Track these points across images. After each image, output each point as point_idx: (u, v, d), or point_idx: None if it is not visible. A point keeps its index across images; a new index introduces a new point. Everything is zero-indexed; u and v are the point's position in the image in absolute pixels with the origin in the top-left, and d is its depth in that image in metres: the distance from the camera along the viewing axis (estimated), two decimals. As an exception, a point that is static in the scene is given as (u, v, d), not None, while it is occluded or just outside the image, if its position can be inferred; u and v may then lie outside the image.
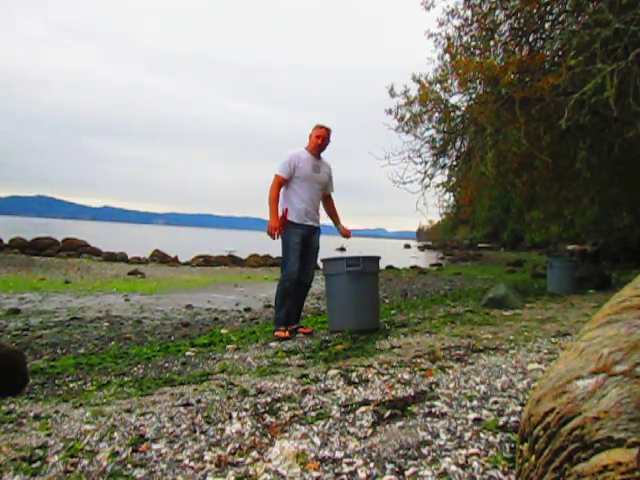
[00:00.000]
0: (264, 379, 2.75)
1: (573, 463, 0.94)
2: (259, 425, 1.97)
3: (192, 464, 1.64)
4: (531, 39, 7.81)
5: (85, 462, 1.66)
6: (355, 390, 2.39)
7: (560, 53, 7.25)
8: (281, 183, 4.35)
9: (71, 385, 2.93)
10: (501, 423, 1.83)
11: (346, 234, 4.77)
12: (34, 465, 1.64)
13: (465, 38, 7.87)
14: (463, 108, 8.33)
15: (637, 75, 5.85)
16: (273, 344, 3.94)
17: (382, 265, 13.00)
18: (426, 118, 8.27)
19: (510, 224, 32.40)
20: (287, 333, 4.22)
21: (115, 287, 9.19)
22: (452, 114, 8.35)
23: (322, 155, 4.54)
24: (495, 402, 2.08)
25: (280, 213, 4.32)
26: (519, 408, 1.98)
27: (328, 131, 4.46)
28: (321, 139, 4.41)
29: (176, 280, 11.13)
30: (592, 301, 6.29)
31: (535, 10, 7.19)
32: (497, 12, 7.54)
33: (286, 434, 1.85)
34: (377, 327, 4.36)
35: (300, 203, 4.35)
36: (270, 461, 1.62)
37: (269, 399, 2.32)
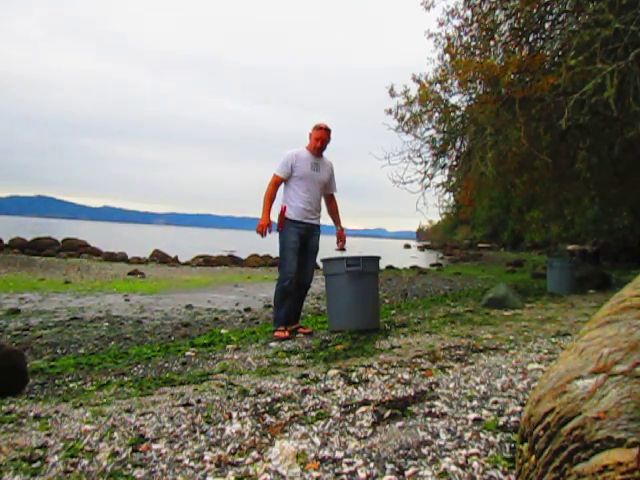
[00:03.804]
0: (264, 379, 2.75)
1: (573, 463, 0.94)
2: (259, 425, 1.97)
3: (192, 464, 1.64)
4: (531, 39, 7.81)
5: (85, 462, 1.66)
6: (355, 390, 2.39)
7: (560, 53, 7.25)
8: (278, 183, 4.37)
9: (71, 385, 2.93)
10: (501, 423, 1.83)
11: (340, 237, 4.63)
12: (34, 465, 1.64)
13: (465, 38, 7.87)
14: (463, 108, 8.33)
15: (637, 75, 5.85)
16: (273, 344, 3.94)
17: (382, 265, 13.01)
18: (426, 118, 8.27)
19: (510, 224, 32.42)
20: (287, 333, 4.21)
21: (115, 287, 9.19)
22: (452, 114, 8.35)
23: (324, 154, 4.53)
24: (495, 402, 2.08)
25: (279, 210, 4.33)
26: (519, 408, 1.98)
27: (327, 132, 4.45)
28: (320, 141, 4.41)
29: (176, 280, 11.12)
30: (592, 301, 6.29)
31: (535, 10, 7.19)
32: (497, 12, 7.54)
33: (286, 434, 1.85)
34: (377, 327, 4.36)
35: (298, 202, 4.35)
36: (270, 461, 1.62)
37: (269, 399, 2.32)
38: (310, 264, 4.51)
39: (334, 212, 4.70)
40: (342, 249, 4.65)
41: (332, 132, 4.48)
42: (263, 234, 4.29)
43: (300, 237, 4.36)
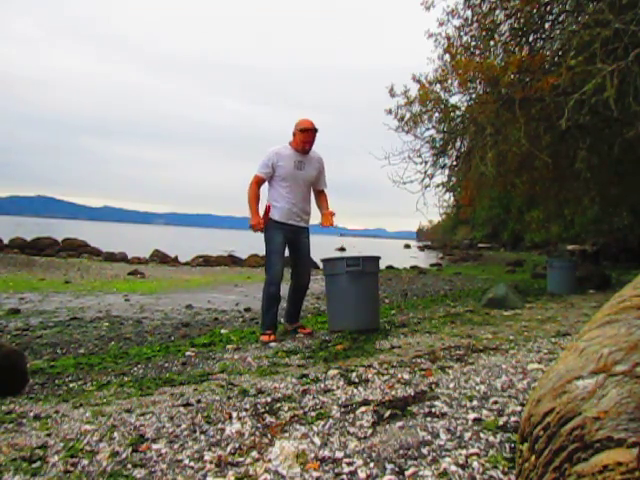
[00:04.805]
0: (264, 379, 2.75)
1: (573, 463, 0.94)
2: (259, 425, 1.97)
3: (192, 464, 1.64)
4: (531, 39, 7.82)
5: (85, 462, 1.66)
6: (355, 390, 2.39)
7: (560, 53, 7.25)
8: (259, 182, 4.21)
9: (71, 385, 2.93)
10: (501, 423, 1.83)
11: (326, 221, 4.28)
12: (34, 465, 1.64)
13: (465, 38, 7.88)
14: (463, 108, 8.34)
15: (637, 75, 5.85)
16: (273, 344, 3.94)
17: (382, 265, 12.99)
18: (426, 118, 8.28)
19: (510, 224, 32.45)
20: (273, 337, 4.08)
21: (115, 287, 9.19)
22: (452, 114, 8.36)
23: (313, 148, 4.27)
24: (495, 402, 2.08)
25: (264, 209, 4.20)
26: (519, 408, 1.98)
27: (315, 132, 4.20)
28: (308, 145, 4.19)
29: (176, 280, 11.12)
30: (592, 301, 6.29)
31: (535, 10, 7.19)
32: (497, 12, 7.55)
33: (286, 434, 1.85)
34: (377, 327, 4.36)
35: (283, 202, 4.17)
36: (270, 461, 1.62)
37: (269, 399, 2.32)
38: (306, 265, 4.38)
39: (322, 202, 4.41)
40: (330, 224, 4.28)
41: (321, 131, 4.23)
42: (260, 230, 4.17)
43: (286, 239, 4.20)
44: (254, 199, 4.21)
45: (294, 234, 4.24)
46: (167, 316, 6.03)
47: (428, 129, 8.61)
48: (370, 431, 1.84)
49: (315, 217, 4.46)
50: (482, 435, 1.73)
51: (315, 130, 4.20)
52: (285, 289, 4.55)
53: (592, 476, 0.90)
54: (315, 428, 1.90)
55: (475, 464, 1.51)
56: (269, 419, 2.03)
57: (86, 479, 1.55)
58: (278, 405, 2.21)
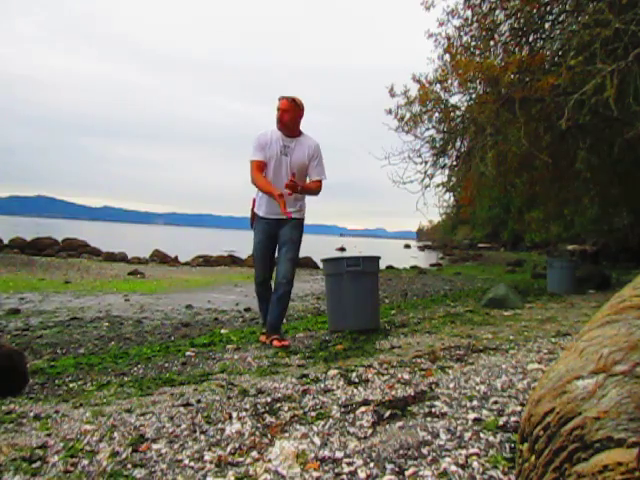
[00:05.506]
0: (264, 379, 2.74)
1: (573, 463, 0.94)
2: (259, 425, 1.97)
3: (192, 464, 1.63)
4: (531, 39, 7.83)
5: (85, 462, 1.66)
6: (355, 390, 2.39)
7: (560, 53, 7.26)
8: (261, 167, 3.75)
9: (71, 385, 2.93)
10: (501, 423, 1.83)
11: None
12: (34, 465, 1.64)
13: (465, 38, 7.90)
14: (463, 108, 8.34)
15: (637, 75, 5.85)
16: (273, 344, 3.94)
17: (382, 265, 13.00)
18: (426, 118, 8.30)
19: (510, 224, 32.46)
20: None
21: (115, 287, 9.18)
22: (452, 114, 8.37)
23: (307, 133, 3.89)
24: (495, 402, 2.08)
25: (251, 204, 3.99)
26: (519, 408, 1.98)
27: (290, 101, 3.71)
28: (281, 112, 3.72)
29: (176, 280, 11.12)
30: (592, 301, 6.29)
31: (535, 10, 7.20)
32: (497, 12, 7.56)
33: (286, 434, 1.85)
34: (377, 327, 4.36)
35: (262, 193, 3.84)
36: (270, 461, 1.62)
37: (269, 399, 2.32)
38: (283, 256, 3.84)
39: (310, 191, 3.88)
40: (293, 188, 3.68)
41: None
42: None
43: (267, 235, 3.90)
44: (263, 180, 3.73)
45: (277, 227, 3.90)
46: (167, 316, 6.03)
47: (428, 129, 8.63)
48: (370, 431, 1.84)
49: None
50: (482, 435, 1.73)
51: (294, 102, 3.73)
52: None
53: (592, 476, 0.90)
54: (315, 428, 1.90)
55: (475, 464, 1.51)
56: (269, 419, 2.03)
57: (86, 479, 1.55)
58: (278, 405, 2.21)
